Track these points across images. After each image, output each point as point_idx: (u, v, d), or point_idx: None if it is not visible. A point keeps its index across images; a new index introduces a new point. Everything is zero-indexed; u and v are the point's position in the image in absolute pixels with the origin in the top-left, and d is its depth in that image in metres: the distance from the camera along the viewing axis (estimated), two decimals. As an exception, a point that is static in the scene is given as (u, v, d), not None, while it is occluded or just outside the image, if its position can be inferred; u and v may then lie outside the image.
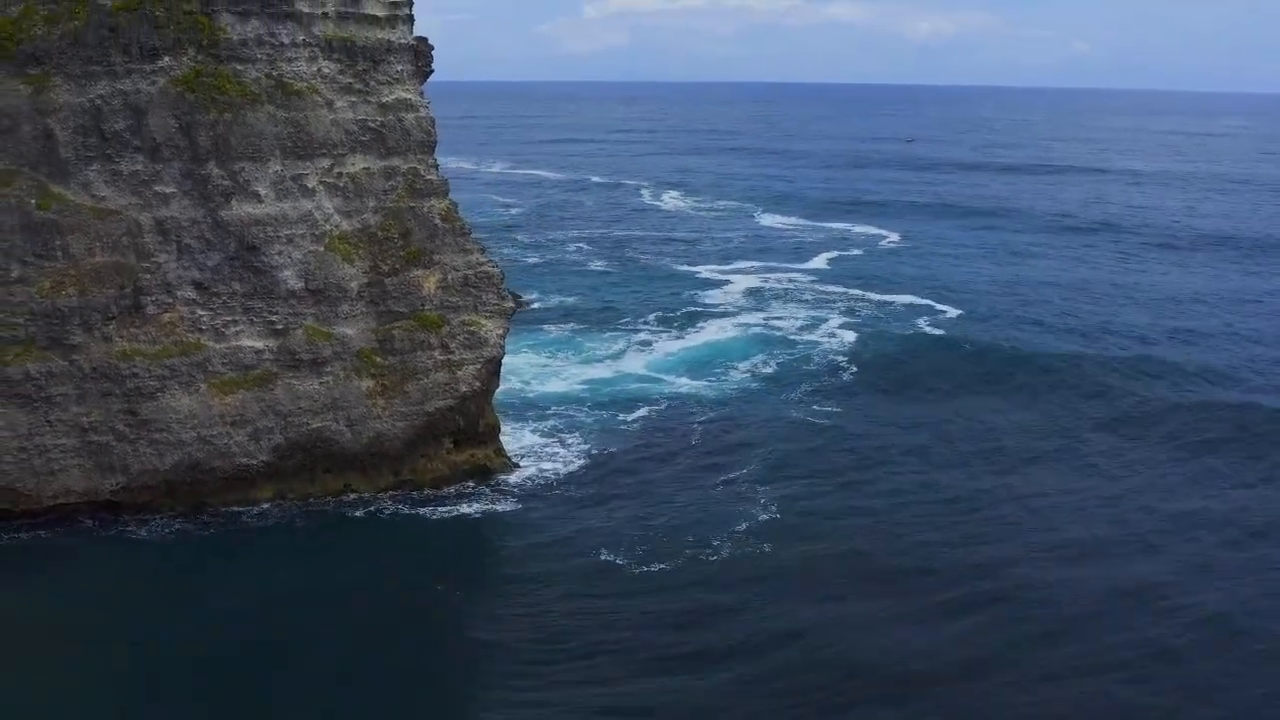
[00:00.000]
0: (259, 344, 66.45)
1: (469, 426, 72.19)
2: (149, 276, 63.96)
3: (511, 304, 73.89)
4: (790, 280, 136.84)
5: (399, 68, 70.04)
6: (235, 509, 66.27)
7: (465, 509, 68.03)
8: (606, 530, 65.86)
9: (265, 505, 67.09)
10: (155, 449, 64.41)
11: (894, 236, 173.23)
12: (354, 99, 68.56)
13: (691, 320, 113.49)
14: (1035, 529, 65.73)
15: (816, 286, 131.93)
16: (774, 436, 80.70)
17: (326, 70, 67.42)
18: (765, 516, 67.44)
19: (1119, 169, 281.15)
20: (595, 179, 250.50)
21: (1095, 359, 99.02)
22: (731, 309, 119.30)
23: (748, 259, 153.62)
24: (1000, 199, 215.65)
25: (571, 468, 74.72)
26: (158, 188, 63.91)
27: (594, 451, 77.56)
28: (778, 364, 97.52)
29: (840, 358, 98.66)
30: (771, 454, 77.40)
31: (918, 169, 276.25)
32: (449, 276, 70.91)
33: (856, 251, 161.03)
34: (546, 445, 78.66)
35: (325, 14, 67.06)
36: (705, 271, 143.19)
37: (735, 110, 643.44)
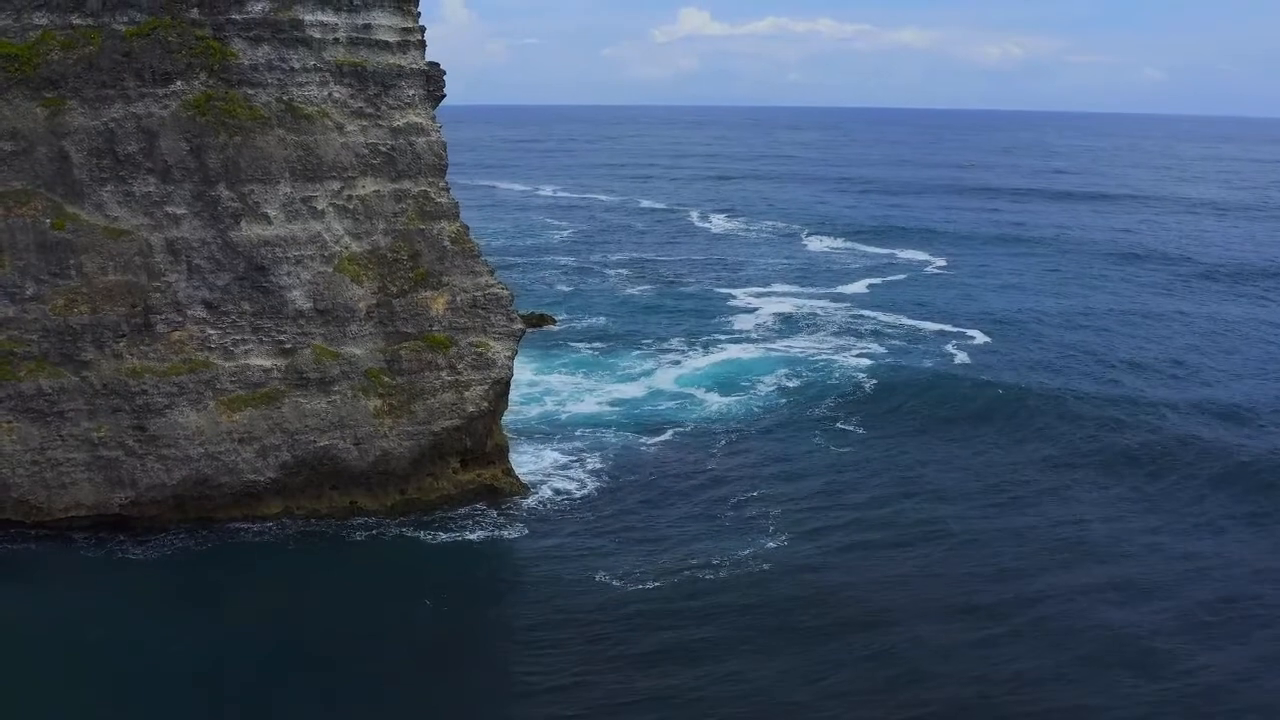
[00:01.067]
0: (267, 363, 67.61)
1: (476, 446, 72.91)
2: (159, 296, 65.36)
3: (521, 326, 74.56)
4: (826, 305, 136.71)
5: (410, 92, 71.13)
6: (236, 526, 67.23)
7: (470, 532, 68.57)
8: (608, 555, 66.03)
9: (269, 524, 67.96)
10: (163, 464, 65.70)
11: (940, 262, 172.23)
12: (365, 123, 69.71)
13: (716, 344, 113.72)
14: (1045, 568, 63.84)
15: (850, 312, 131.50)
16: (788, 463, 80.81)
17: (337, 95, 68.63)
18: (773, 544, 67.32)
19: (1182, 196, 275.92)
20: (648, 203, 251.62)
21: (1121, 396, 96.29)
22: (758, 334, 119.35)
23: (788, 283, 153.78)
24: (1054, 226, 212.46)
25: (585, 490, 75.34)
26: (169, 209, 65.37)
27: (609, 474, 78.09)
28: (795, 390, 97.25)
29: (861, 386, 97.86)
30: (784, 481, 77.43)
31: (974, 195, 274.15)
32: (458, 298, 71.77)
33: (899, 277, 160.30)
34: (563, 466, 79.24)
35: (337, 39, 68.30)
36: (742, 295, 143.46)
37: (797, 135, 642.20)
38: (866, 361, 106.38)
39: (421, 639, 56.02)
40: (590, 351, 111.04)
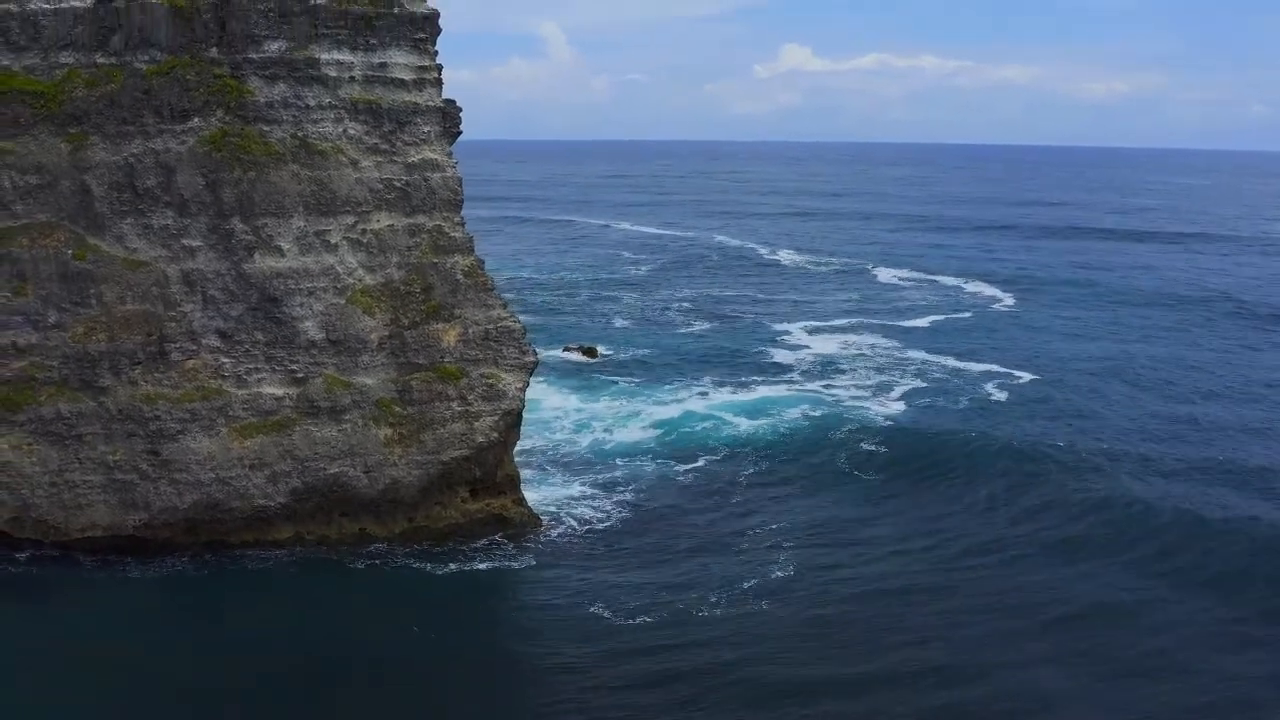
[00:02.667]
0: (279, 391, 69.42)
1: (486, 476, 74.07)
2: (174, 325, 67.54)
3: (534, 358, 75.69)
4: (879, 341, 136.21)
5: (426, 129, 72.83)
6: (243, 552, 68.98)
7: (479, 562, 69.71)
8: (609, 587, 66.61)
9: (280, 550, 69.68)
10: (175, 488, 67.72)
11: (1009, 300, 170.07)
12: (380, 159, 71.50)
13: (751, 383, 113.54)
14: (1045, 635, 61.32)
15: (900, 351, 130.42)
16: (807, 498, 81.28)
17: (352, 131, 70.52)
18: (780, 574, 67.98)
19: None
20: (724, 238, 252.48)
21: (1163, 455, 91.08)
22: (798, 372, 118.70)
23: (847, 318, 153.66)
24: (1136, 267, 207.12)
25: (603, 524, 76.29)
26: (185, 241, 67.62)
27: (623, 507, 78.98)
28: (818, 430, 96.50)
29: (888, 430, 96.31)
30: (798, 519, 77.66)
31: (1061, 233, 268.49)
32: (470, 330, 73.10)
33: (964, 315, 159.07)
34: (580, 497, 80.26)
35: (352, 78, 70.26)
36: (796, 331, 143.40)
37: (892, 172, 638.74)
38: (899, 406, 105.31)
39: (401, 667, 56.81)
40: (626, 383, 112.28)
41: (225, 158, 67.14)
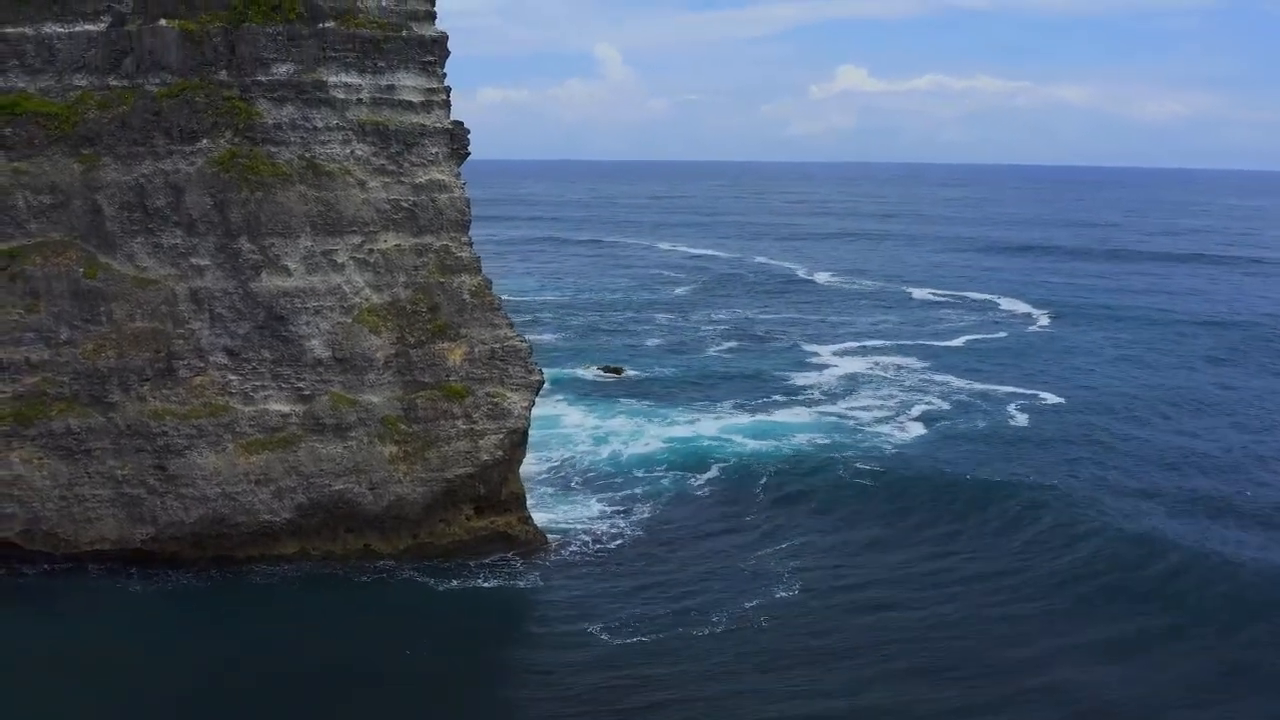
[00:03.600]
0: (285, 408, 70.43)
1: (491, 494, 74.67)
2: (182, 342, 68.77)
3: (539, 378, 76.29)
4: (909, 362, 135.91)
5: (434, 150, 73.74)
6: (247, 567, 70.02)
7: (483, 579, 70.38)
8: (610, 605, 67.21)
9: (286, 565, 70.70)
10: (182, 503, 68.87)
11: (1045, 321, 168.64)
12: (387, 179, 72.47)
13: (768, 405, 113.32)
14: (1045, 676, 59.82)
15: (924, 374, 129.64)
16: (806, 522, 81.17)
17: (360, 153, 71.55)
18: (782, 594, 68.39)
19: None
20: (763, 259, 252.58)
21: (1178, 488, 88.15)
22: (818, 394, 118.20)
23: (879, 339, 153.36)
24: (1182, 291, 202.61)
25: (609, 542, 76.92)
26: (194, 260, 68.89)
27: (629, 525, 79.48)
28: (826, 452, 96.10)
29: (900, 456, 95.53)
30: (800, 541, 77.74)
31: (1109, 255, 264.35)
32: (475, 349, 73.81)
33: (999, 335, 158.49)
34: (586, 515, 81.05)
35: (360, 100, 71.35)
36: (826, 353, 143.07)
37: (944, 192, 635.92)
38: (915, 430, 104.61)
39: (395, 682, 57.50)
40: (642, 404, 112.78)
41: (233, 178, 68.34)
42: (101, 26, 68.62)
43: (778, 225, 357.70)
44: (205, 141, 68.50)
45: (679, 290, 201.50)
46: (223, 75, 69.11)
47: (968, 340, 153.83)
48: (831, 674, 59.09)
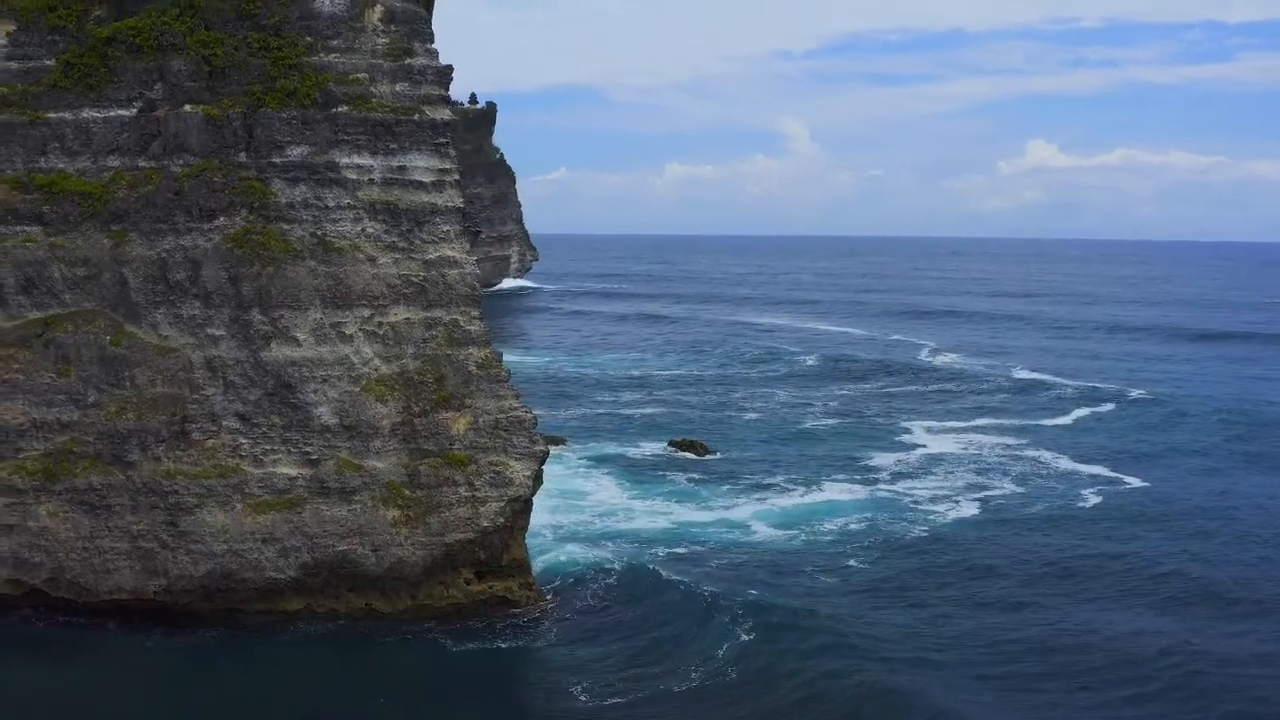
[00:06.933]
0: (293, 471, 74.12)
1: (491, 559, 77.00)
2: (196, 407, 73.20)
3: (544, 448, 78.49)
4: (1003, 441, 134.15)
5: (445, 228, 77.17)
6: (252, 621, 73.79)
7: (478, 640, 72.45)
8: (594, 664, 69.05)
9: (291, 622, 74.27)
10: (191, 557, 72.95)
11: (1172, 406, 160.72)
12: (398, 256, 76.07)
13: (831, 484, 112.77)
14: None
15: (1018, 450, 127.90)
16: (824, 600, 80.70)
17: (371, 230, 75.38)
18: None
19: None
20: (898, 337, 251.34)
21: (1239, 598, 79.52)
22: (888, 474, 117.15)
23: (987, 416, 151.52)
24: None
25: (609, 608, 78.34)
26: (209, 330, 73.42)
27: (638, 591, 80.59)
28: (873, 530, 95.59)
29: (933, 536, 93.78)
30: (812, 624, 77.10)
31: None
32: (480, 419, 76.49)
33: (1108, 406, 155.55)
34: (595, 580, 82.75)
35: (372, 180, 75.33)
36: (919, 429, 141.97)
37: (1122, 269, 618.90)
38: (969, 511, 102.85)
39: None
40: (685, 482, 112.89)
41: (246, 254, 72.78)
42: (133, 111, 74.11)
43: (932, 304, 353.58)
44: (222, 219, 73.17)
45: (794, 365, 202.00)
46: (241, 157, 73.83)
47: (1079, 415, 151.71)
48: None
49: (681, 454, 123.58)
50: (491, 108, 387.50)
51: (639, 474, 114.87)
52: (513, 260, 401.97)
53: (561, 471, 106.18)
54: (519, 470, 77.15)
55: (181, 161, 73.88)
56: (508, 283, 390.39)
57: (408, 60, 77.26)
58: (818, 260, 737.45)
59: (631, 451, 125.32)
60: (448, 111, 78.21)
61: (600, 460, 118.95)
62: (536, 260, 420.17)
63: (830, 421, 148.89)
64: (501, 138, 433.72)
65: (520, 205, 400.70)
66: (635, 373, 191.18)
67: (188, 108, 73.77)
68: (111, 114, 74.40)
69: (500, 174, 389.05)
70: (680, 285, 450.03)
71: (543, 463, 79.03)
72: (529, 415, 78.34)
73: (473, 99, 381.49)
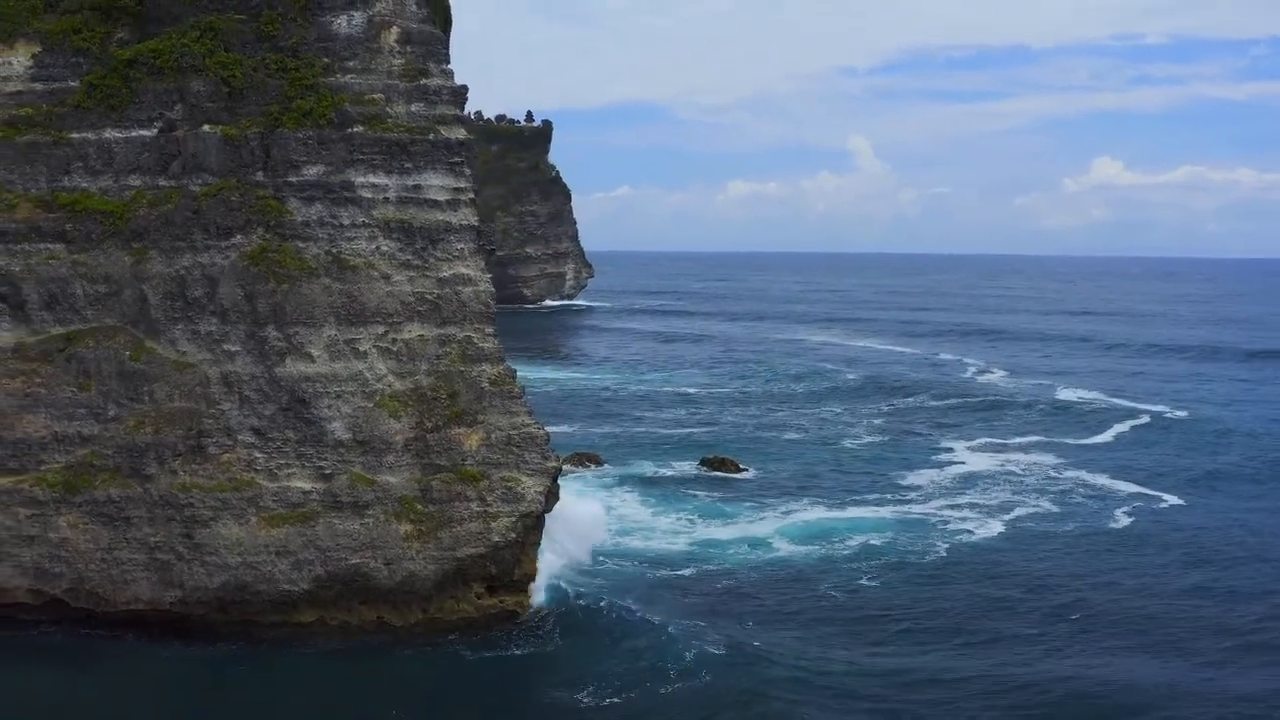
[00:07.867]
0: (307, 485, 75.19)
1: (503, 574, 77.63)
2: (212, 421, 74.51)
3: (555, 464, 79.10)
4: (1042, 459, 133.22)
5: (460, 246, 78.13)
6: (266, 633, 74.87)
7: (490, 649, 73.57)
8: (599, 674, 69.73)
9: (304, 634, 75.33)
10: (206, 569, 74.19)
11: (1221, 425, 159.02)
12: (412, 273, 77.10)
13: (860, 502, 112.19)
14: None
15: (1057, 469, 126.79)
16: (830, 614, 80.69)
17: (385, 248, 76.46)
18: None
19: None
20: (948, 355, 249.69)
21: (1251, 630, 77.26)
22: (921, 493, 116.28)
23: (1029, 434, 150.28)
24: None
25: (613, 616, 78.67)
26: (226, 346, 74.77)
27: (645, 605, 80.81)
28: (892, 549, 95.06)
29: (950, 557, 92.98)
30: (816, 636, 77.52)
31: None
32: (492, 436, 77.26)
33: (1152, 426, 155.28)
34: (606, 594, 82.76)
35: (386, 199, 76.45)
36: (961, 448, 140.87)
37: (1183, 286, 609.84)
38: (995, 529, 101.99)
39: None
40: (710, 499, 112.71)
41: (262, 271, 74.06)
42: (154, 132, 75.79)
43: (978, 320, 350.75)
44: (239, 237, 74.53)
45: (837, 382, 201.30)
46: (259, 176, 75.23)
47: (1119, 432, 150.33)
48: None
49: (712, 472, 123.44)
50: (547, 126, 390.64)
51: (664, 490, 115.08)
52: (568, 277, 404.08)
53: (585, 489, 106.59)
54: (530, 486, 77.75)
55: (200, 181, 75.36)
56: (556, 301, 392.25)
57: (423, 80, 78.38)
58: (880, 278, 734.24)
59: (663, 470, 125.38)
60: (463, 131, 79.17)
61: (627, 478, 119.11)
62: (592, 277, 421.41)
63: (869, 439, 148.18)
64: (563, 155, 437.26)
65: (575, 222, 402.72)
66: (679, 390, 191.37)
67: (206, 128, 75.26)
68: (133, 134, 76.08)
69: (556, 191, 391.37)
70: (735, 303, 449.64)
71: (555, 478, 79.60)
72: (541, 431, 78.95)
73: (529, 117, 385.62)
